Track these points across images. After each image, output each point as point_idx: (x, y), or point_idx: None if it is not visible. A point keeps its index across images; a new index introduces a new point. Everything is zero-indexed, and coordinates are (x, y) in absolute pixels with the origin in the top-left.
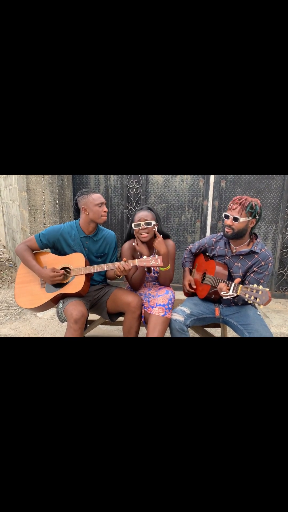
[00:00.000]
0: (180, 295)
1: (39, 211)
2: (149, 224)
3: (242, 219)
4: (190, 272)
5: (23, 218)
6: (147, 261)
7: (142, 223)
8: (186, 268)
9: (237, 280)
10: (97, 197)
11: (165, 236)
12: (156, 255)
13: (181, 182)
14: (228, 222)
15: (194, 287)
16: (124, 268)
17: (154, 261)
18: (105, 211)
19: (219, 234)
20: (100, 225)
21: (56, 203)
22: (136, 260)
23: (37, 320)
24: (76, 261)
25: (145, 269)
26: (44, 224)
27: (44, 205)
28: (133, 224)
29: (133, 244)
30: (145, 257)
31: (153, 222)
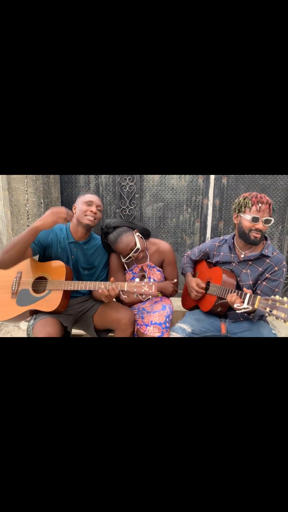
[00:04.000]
0: (178, 302)
1: (22, 211)
2: (137, 251)
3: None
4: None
5: (7, 219)
6: (138, 286)
7: (131, 254)
8: (188, 273)
9: (248, 290)
10: (89, 196)
11: (147, 235)
12: (151, 278)
13: (179, 179)
14: (260, 226)
15: (203, 285)
16: (109, 293)
17: (147, 288)
18: (93, 212)
19: (221, 238)
20: (91, 229)
21: (41, 203)
22: (126, 283)
23: (20, 333)
24: (55, 271)
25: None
26: (28, 226)
27: (27, 205)
28: (123, 259)
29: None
30: (137, 279)
31: (138, 246)
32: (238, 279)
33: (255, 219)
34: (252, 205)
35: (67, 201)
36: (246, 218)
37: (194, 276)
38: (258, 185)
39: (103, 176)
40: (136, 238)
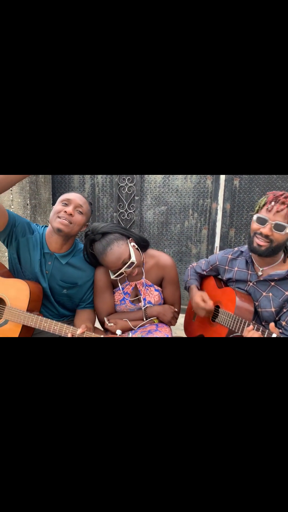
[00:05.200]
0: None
1: None
2: (131, 265)
3: None
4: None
5: None
6: (125, 329)
7: (122, 270)
8: (192, 286)
9: (273, 328)
10: (68, 194)
11: (145, 247)
12: (146, 300)
13: (184, 180)
14: (266, 230)
15: (211, 302)
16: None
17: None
18: (67, 213)
19: (236, 249)
20: (74, 237)
21: (27, 204)
22: (119, 323)
23: None
24: (17, 294)
25: (127, 299)
26: None
27: (12, 206)
28: (112, 276)
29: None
30: (128, 302)
31: (133, 259)
32: (256, 303)
33: (261, 220)
34: (264, 204)
35: None
36: (253, 219)
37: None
38: (275, 188)
39: (99, 176)
40: (130, 249)
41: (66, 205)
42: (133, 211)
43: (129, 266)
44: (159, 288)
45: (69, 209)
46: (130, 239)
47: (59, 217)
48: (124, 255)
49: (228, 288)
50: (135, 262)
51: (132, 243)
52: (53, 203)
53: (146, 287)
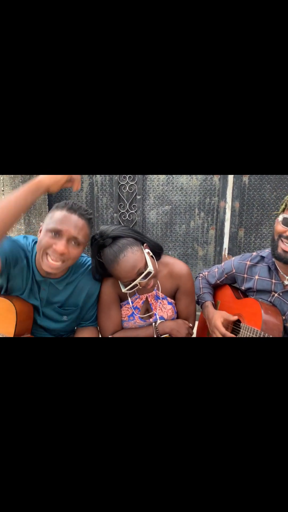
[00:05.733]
0: None
1: None
2: (147, 275)
3: None
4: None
5: None
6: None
7: (136, 281)
8: (206, 303)
9: None
10: (60, 217)
11: (159, 255)
12: (157, 316)
13: (190, 178)
14: None
15: (233, 318)
16: None
17: None
18: (58, 252)
19: (255, 254)
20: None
21: None
22: None
23: None
24: (3, 314)
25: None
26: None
27: None
28: (123, 289)
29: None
30: (137, 318)
31: (150, 268)
32: (283, 318)
33: (287, 222)
34: None
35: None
36: (278, 219)
37: (215, 307)
38: (287, 185)
39: (98, 174)
40: (146, 256)
41: (54, 236)
42: (135, 211)
43: (145, 277)
44: (172, 300)
45: (61, 245)
46: (145, 244)
47: (47, 253)
48: (140, 264)
49: (249, 299)
50: (153, 272)
51: (147, 250)
52: (49, 204)
53: (158, 300)
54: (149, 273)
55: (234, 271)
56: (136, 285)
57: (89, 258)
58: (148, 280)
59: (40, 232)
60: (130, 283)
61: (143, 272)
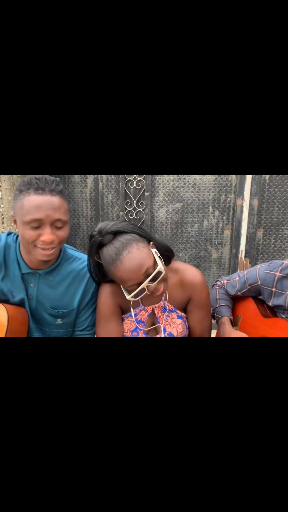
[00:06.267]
0: None
1: None
2: (156, 277)
3: None
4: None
5: None
6: None
7: (144, 285)
8: (223, 319)
9: None
10: (33, 204)
11: (168, 258)
12: (166, 332)
13: None
14: None
15: None
16: None
17: None
18: (46, 242)
19: (286, 263)
20: (67, 249)
21: None
22: None
23: None
24: None
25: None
26: (3, 231)
27: (1, 205)
28: (128, 296)
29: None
30: (142, 331)
31: (160, 267)
32: None
33: None
34: None
35: None
36: None
37: (234, 324)
38: None
39: None
40: (154, 255)
41: (36, 228)
42: (143, 210)
43: (154, 279)
44: (183, 314)
45: (47, 235)
46: (152, 243)
47: (35, 246)
48: (147, 262)
49: (280, 320)
50: (163, 272)
51: (154, 249)
52: None
53: (167, 313)
54: (159, 273)
55: (259, 283)
56: (143, 290)
57: (83, 255)
58: (158, 284)
59: (15, 223)
60: (136, 288)
61: (151, 273)
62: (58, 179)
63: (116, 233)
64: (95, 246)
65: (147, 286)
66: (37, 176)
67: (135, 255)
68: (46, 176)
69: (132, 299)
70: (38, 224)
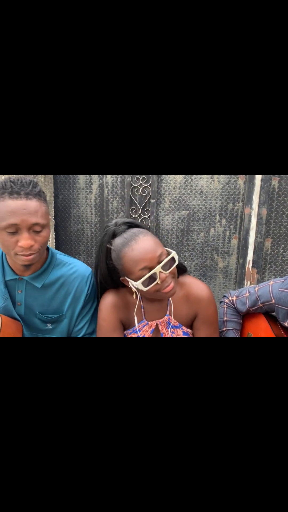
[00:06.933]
0: None
1: None
2: (171, 264)
3: None
4: None
5: None
6: None
7: (159, 267)
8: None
9: None
10: (9, 210)
11: (182, 270)
12: None
13: (211, 180)
14: None
15: None
16: None
17: None
18: (25, 247)
19: None
20: (55, 254)
21: None
22: None
23: None
24: None
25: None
26: None
27: None
28: (136, 282)
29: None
30: None
31: (173, 255)
32: None
33: None
34: None
35: (63, 206)
36: None
37: None
38: None
39: (109, 175)
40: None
41: (13, 233)
42: (148, 217)
43: (167, 266)
44: (189, 330)
45: (24, 240)
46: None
47: (16, 254)
48: (161, 249)
49: None
50: (176, 261)
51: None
52: (56, 207)
53: (171, 329)
54: (173, 260)
55: (273, 301)
56: (153, 279)
57: (74, 260)
58: (169, 276)
59: None
60: (147, 273)
61: (162, 260)
62: (35, 180)
63: (130, 225)
64: (109, 235)
65: (159, 273)
66: (12, 178)
67: (151, 238)
68: (23, 177)
69: (142, 288)
70: (14, 230)
